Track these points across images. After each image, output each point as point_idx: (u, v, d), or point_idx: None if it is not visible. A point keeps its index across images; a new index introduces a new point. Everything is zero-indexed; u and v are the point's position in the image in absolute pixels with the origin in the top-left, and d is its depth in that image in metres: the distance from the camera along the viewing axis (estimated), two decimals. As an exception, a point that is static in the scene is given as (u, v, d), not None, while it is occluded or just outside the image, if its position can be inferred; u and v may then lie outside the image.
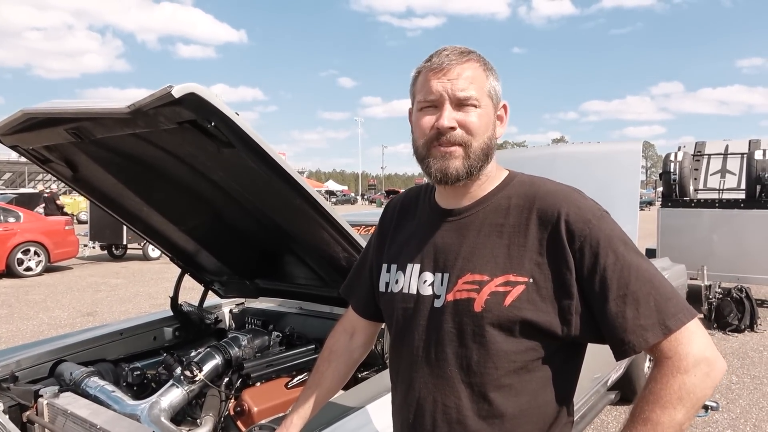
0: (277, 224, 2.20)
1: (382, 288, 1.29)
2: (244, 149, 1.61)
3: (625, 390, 4.15)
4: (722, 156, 8.47)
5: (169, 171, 2.15)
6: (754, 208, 7.16)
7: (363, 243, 2.02)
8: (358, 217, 3.58)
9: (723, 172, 8.30)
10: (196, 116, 1.51)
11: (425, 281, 1.18)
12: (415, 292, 1.19)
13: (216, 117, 1.52)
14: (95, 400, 2.13)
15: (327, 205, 1.87)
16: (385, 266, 1.29)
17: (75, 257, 12.59)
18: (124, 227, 12.55)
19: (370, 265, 1.39)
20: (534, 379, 1.10)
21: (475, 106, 1.11)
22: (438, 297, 1.15)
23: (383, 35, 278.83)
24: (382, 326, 1.53)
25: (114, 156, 2.12)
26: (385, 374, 2.07)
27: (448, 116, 1.10)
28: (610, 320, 1.02)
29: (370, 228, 3.30)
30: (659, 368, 1.01)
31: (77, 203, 25.36)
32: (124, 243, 13.33)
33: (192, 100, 1.44)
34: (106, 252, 14.13)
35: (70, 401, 2.00)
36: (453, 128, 1.10)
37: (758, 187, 7.16)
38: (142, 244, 13.37)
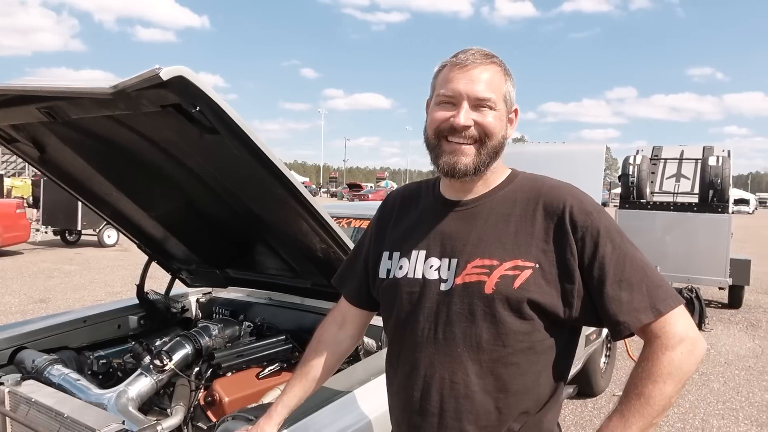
0: (253, 213, 2.17)
1: (382, 274, 1.32)
2: (230, 136, 1.59)
3: (582, 384, 4.29)
4: (678, 161, 8.76)
5: (142, 155, 2.09)
6: (705, 212, 7.44)
7: (344, 235, 2.02)
8: (340, 210, 3.55)
9: (678, 176, 8.58)
10: (182, 100, 1.48)
11: (431, 266, 1.22)
12: (420, 276, 1.23)
13: (202, 102, 1.49)
14: (59, 388, 2.07)
15: (309, 196, 1.86)
16: (386, 254, 1.33)
17: (26, 242, 12.10)
18: (79, 212, 12.23)
19: (365, 256, 1.42)
20: (539, 360, 1.17)
21: (491, 108, 1.18)
22: (445, 281, 1.20)
23: (347, 28, 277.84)
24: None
25: (85, 138, 2.06)
26: (359, 366, 2.09)
27: (465, 115, 1.16)
28: (607, 303, 1.12)
29: (352, 220, 3.30)
30: (650, 347, 1.12)
31: (28, 186, 24.33)
32: (79, 228, 12.87)
33: (179, 84, 1.40)
34: (58, 237, 13.64)
35: (33, 389, 1.94)
36: (468, 127, 1.16)
37: (711, 192, 7.46)
38: (98, 230, 12.96)
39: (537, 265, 1.14)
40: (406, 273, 1.25)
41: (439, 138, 1.20)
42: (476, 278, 1.16)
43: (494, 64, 1.20)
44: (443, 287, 1.20)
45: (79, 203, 11.82)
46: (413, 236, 1.28)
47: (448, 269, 1.20)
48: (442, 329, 1.19)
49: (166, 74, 1.33)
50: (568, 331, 1.21)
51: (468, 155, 1.18)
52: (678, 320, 1.11)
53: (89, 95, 1.55)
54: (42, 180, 12.73)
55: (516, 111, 1.26)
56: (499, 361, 1.15)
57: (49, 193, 12.42)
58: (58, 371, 2.18)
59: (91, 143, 2.08)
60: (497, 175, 1.26)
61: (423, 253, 1.24)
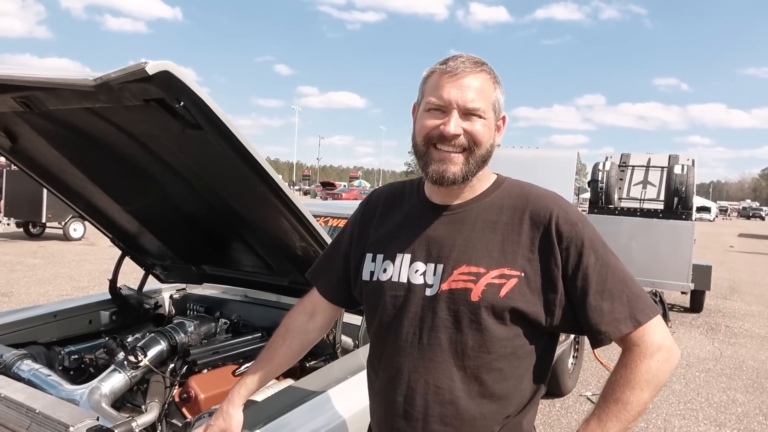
0: (232, 210, 2.16)
1: (365, 277, 1.31)
2: (214, 132, 1.58)
3: (550, 384, 4.36)
4: (644, 168, 9.00)
5: (120, 149, 2.06)
6: (670, 219, 7.68)
7: (325, 234, 2.03)
8: (316, 208, 3.55)
9: (645, 183, 8.82)
10: (166, 95, 1.47)
11: (416, 270, 1.22)
12: (405, 280, 1.23)
13: (186, 97, 1.48)
14: (29, 384, 2.02)
15: (291, 194, 1.86)
16: (369, 255, 1.32)
17: (-14, 234, 11.75)
18: (44, 204, 11.89)
19: (345, 253, 1.41)
20: (521, 365, 1.19)
21: (481, 117, 1.18)
22: (430, 286, 1.20)
23: (322, 26, 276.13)
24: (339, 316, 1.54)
25: (61, 129, 2.02)
26: (336, 365, 2.10)
27: (455, 124, 1.16)
28: (589, 313, 1.14)
29: (329, 219, 3.30)
30: (629, 355, 1.14)
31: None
32: (43, 221, 12.53)
33: (163, 78, 1.39)
34: (21, 230, 13.26)
35: (2, 384, 1.89)
36: (457, 135, 1.16)
37: (675, 200, 7.70)
38: (63, 223, 12.64)
39: (522, 274, 1.15)
40: (390, 276, 1.25)
41: (428, 145, 1.19)
42: (463, 285, 1.16)
43: (484, 72, 1.19)
44: (428, 292, 1.20)
45: (44, 195, 11.56)
46: (398, 239, 1.27)
47: (434, 274, 1.20)
48: (426, 335, 1.19)
49: (151, 68, 1.32)
50: (547, 336, 1.23)
51: (457, 164, 1.17)
52: (656, 330, 1.14)
53: (70, 86, 1.52)
54: (4, 170, 12.35)
55: (504, 118, 1.26)
56: (483, 367, 1.16)
57: (13, 183, 12.06)
58: (28, 366, 2.13)
59: (66, 135, 2.04)
60: (483, 181, 1.26)
61: (408, 256, 1.24)
